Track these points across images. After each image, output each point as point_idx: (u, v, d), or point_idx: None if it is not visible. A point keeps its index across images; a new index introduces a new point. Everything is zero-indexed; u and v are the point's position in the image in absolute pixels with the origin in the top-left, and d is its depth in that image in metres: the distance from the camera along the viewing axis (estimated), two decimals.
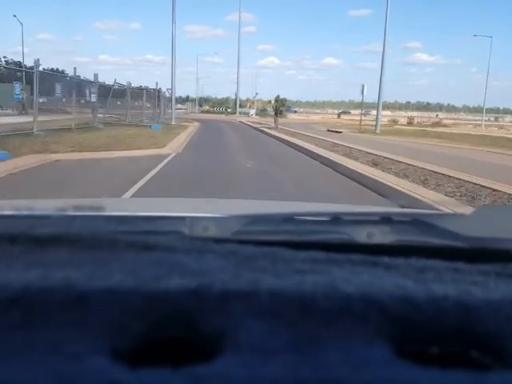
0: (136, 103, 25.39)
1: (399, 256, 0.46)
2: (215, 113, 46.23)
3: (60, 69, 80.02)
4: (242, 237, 0.56)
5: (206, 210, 0.94)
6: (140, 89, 26.13)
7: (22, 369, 0.29)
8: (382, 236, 0.61)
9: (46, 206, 0.97)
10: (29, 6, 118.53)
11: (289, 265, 0.42)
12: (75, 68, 16.26)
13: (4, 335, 0.31)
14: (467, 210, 1.00)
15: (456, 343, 0.33)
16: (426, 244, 0.57)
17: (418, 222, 0.65)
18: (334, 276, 0.38)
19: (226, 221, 0.66)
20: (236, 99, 47.56)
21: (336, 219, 0.66)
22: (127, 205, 1.18)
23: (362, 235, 0.60)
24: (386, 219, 0.66)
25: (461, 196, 5.28)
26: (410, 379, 0.29)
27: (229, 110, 46.74)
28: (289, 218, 0.68)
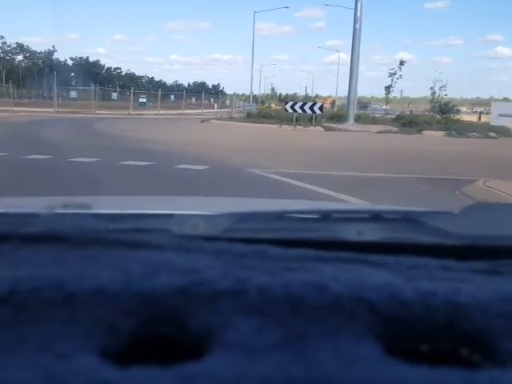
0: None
1: (389, 254, 0.46)
2: (282, 120, 19.06)
3: (131, 70, 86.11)
4: (231, 234, 0.56)
5: (195, 207, 0.95)
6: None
7: (9, 367, 0.29)
8: (371, 234, 0.61)
9: (34, 203, 1.00)
10: (104, 7, 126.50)
11: (278, 262, 0.42)
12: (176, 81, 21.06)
13: None
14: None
15: (445, 341, 0.33)
16: (415, 242, 0.57)
17: (408, 220, 0.65)
18: (323, 274, 0.38)
19: (216, 218, 0.66)
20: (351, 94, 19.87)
21: (326, 217, 0.67)
22: (116, 202, 1.18)
23: (351, 233, 0.61)
24: (375, 217, 0.67)
25: None
26: (400, 377, 0.29)
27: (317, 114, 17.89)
28: (278, 216, 0.68)
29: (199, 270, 0.38)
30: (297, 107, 17.95)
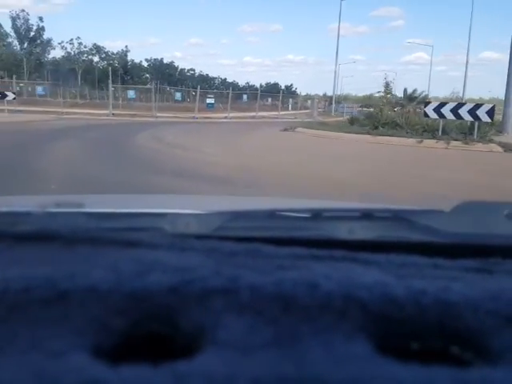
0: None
1: (380, 252, 0.46)
2: (417, 131, 11.97)
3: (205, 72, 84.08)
4: (223, 233, 0.56)
5: (187, 206, 0.89)
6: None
7: (0, 366, 0.28)
8: (362, 232, 0.61)
9: (26, 202, 0.95)
10: (183, 12, 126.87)
11: (270, 261, 0.42)
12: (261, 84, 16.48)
13: None
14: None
15: (436, 339, 0.33)
16: (406, 240, 0.57)
17: (399, 218, 0.64)
18: (314, 272, 0.38)
19: (208, 217, 0.65)
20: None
21: (317, 215, 0.66)
22: (109, 201, 1.11)
23: (343, 231, 0.61)
24: (366, 215, 0.66)
25: None
26: (391, 375, 0.29)
27: (482, 122, 10.55)
28: (270, 214, 0.68)
29: (191, 269, 0.38)
30: (445, 111, 11.43)
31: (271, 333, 0.32)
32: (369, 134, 12.09)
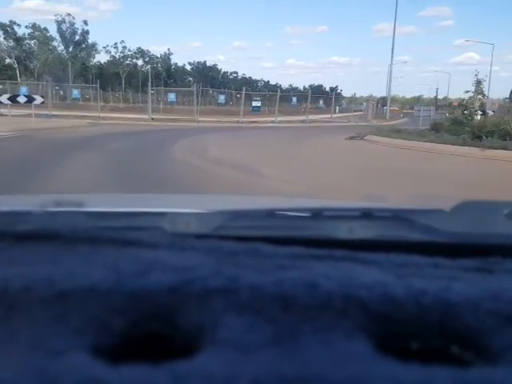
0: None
1: (380, 251, 0.46)
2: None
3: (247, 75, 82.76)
4: (222, 232, 0.55)
5: (187, 205, 0.91)
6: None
7: (0, 366, 0.29)
8: (362, 231, 0.60)
9: (26, 201, 0.95)
10: (227, 16, 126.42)
11: (270, 261, 0.42)
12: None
13: None
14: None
15: (436, 339, 0.33)
16: (406, 239, 0.56)
17: (399, 218, 0.64)
18: (314, 272, 0.38)
19: (207, 216, 0.65)
20: None
21: (317, 214, 0.65)
22: (108, 200, 1.09)
23: (342, 231, 0.60)
24: (366, 215, 0.65)
25: None
26: (391, 375, 0.29)
27: None
28: (270, 214, 0.67)
29: (191, 268, 0.38)
30: None
31: (271, 332, 0.32)
32: (474, 145, 9.26)
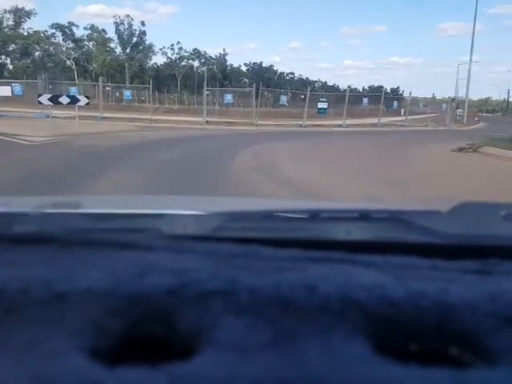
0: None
1: (377, 253, 0.46)
2: None
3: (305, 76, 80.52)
4: (220, 234, 0.56)
5: (184, 206, 0.86)
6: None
7: None
8: (360, 233, 0.60)
9: (23, 203, 0.94)
10: (282, 17, 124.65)
11: (268, 263, 0.42)
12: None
13: None
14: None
15: (435, 340, 0.33)
16: (404, 241, 0.56)
17: (396, 219, 0.63)
18: (312, 274, 0.38)
19: (205, 218, 0.65)
20: None
21: (314, 216, 0.66)
22: (105, 202, 1.10)
23: (340, 232, 0.60)
24: (364, 216, 0.65)
25: None
26: (389, 376, 0.29)
27: None
28: (268, 215, 0.68)
29: (189, 271, 0.38)
30: None
31: (270, 334, 0.32)
32: None
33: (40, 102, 12.90)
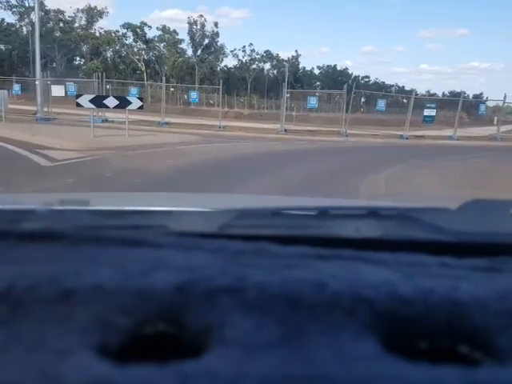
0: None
1: (387, 250, 0.46)
2: None
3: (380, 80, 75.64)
4: (229, 231, 0.56)
5: (192, 204, 0.91)
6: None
7: (5, 366, 0.28)
8: (369, 230, 0.60)
9: (31, 200, 0.95)
10: (357, 21, 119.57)
11: (276, 260, 0.42)
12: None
13: None
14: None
15: (444, 338, 0.33)
16: (413, 238, 0.56)
17: (405, 217, 0.63)
18: (321, 271, 0.38)
19: (213, 215, 0.65)
20: None
21: (323, 213, 0.66)
22: (113, 199, 1.12)
23: (349, 229, 0.60)
24: (373, 213, 0.65)
25: None
26: (399, 374, 0.29)
27: None
28: (276, 213, 0.67)
29: (197, 268, 0.38)
30: None
31: (278, 332, 0.31)
32: None
33: (79, 105, 10.11)
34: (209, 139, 12.01)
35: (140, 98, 10.67)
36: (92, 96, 10.45)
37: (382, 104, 17.21)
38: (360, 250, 0.45)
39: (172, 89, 20.81)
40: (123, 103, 10.45)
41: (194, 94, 18.55)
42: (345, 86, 17.07)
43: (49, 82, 16.64)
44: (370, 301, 0.34)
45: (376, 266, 0.41)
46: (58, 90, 15.75)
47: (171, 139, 11.05)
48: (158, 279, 0.35)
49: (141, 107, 10.50)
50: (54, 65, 46.13)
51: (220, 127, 16.87)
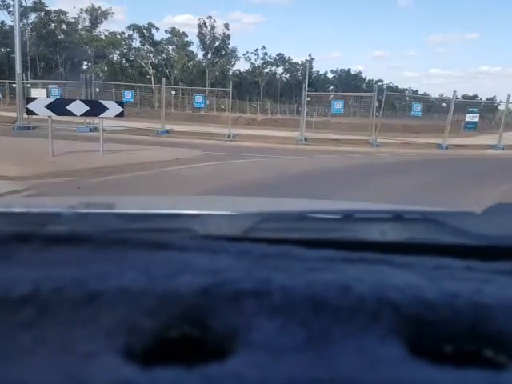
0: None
1: (411, 254, 0.46)
2: None
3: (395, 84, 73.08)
4: (254, 234, 0.55)
5: (217, 207, 0.90)
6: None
7: (32, 368, 0.28)
8: (393, 234, 0.60)
9: (57, 203, 0.95)
10: (367, 26, 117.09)
11: (301, 263, 0.42)
12: None
13: (14, 334, 0.31)
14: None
15: (469, 342, 0.33)
16: (438, 242, 0.56)
17: (430, 220, 0.64)
18: (346, 274, 0.38)
19: (238, 218, 0.65)
20: None
21: (348, 217, 0.66)
22: (138, 202, 1.10)
23: (374, 233, 0.60)
24: (397, 217, 0.65)
25: None
26: (424, 378, 0.29)
27: None
28: (301, 216, 0.68)
29: (222, 271, 0.38)
30: None
31: (303, 335, 0.31)
32: None
33: (31, 112, 7.40)
34: (214, 154, 9.45)
35: (120, 103, 8.03)
36: (50, 100, 7.78)
37: (417, 108, 14.55)
38: (385, 253, 0.45)
39: (173, 92, 18.35)
40: (96, 109, 7.73)
41: (199, 98, 15.85)
42: (375, 87, 14.45)
43: (29, 85, 14.30)
44: (394, 304, 0.34)
45: (401, 270, 0.41)
46: (38, 94, 13.36)
47: (163, 155, 8.46)
48: (184, 282, 0.35)
49: (120, 114, 7.82)
50: (61, 69, 44.05)
51: (229, 136, 14.36)
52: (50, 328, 0.31)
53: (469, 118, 14.63)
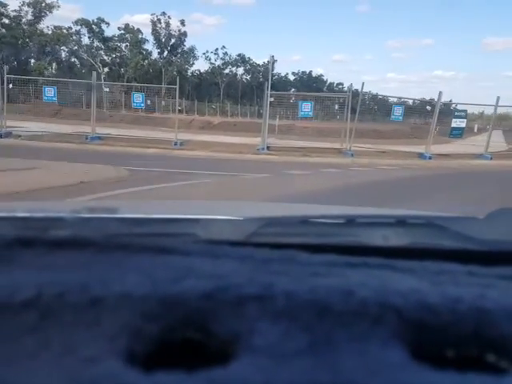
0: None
1: (414, 259, 0.46)
2: None
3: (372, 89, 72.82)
4: (256, 239, 0.56)
5: (220, 212, 0.88)
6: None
7: (34, 372, 0.29)
8: (396, 239, 0.60)
9: (60, 207, 0.95)
10: (328, 30, 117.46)
11: (304, 268, 0.42)
12: None
13: (17, 338, 0.31)
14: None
15: (471, 346, 0.33)
16: (440, 247, 0.57)
17: (433, 225, 0.64)
18: (349, 279, 0.38)
19: (241, 223, 0.65)
20: None
21: (351, 222, 0.66)
22: (141, 207, 1.12)
23: (377, 238, 0.60)
24: (400, 222, 0.66)
25: None
26: (426, 383, 0.29)
27: None
28: (304, 221, 0.68)
29: (225, 276, 0.38)
30: None
31: (306, 340, 0.31)
32: None
33: None
34: (142, 171, 6.97)
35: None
36: None
37: (398, 112, 12.50)
38: (388, 258, 0.45)
39: (106, 89, 15.69)
40: None
41: (138, 97, 13.05)
42: (347, 87, 12.34)
43: None
44: (397, 309, 0.34)
45: (404, 274, 0.41)
46: None
47: (61, 178, 5.83)
48: (186, 287, 0.35)
49: None
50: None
51: (176, 144, 11.89)
52: (52, 332, 0.31)
53: (455, 123, 12.72)
